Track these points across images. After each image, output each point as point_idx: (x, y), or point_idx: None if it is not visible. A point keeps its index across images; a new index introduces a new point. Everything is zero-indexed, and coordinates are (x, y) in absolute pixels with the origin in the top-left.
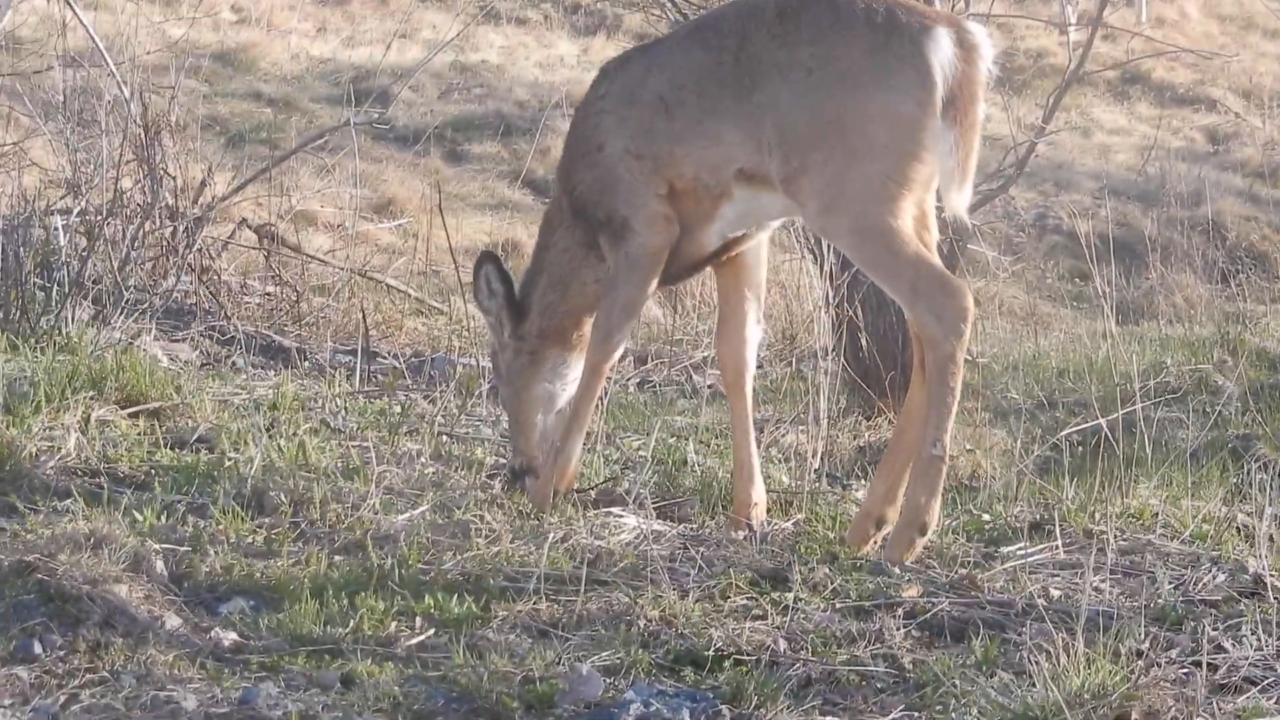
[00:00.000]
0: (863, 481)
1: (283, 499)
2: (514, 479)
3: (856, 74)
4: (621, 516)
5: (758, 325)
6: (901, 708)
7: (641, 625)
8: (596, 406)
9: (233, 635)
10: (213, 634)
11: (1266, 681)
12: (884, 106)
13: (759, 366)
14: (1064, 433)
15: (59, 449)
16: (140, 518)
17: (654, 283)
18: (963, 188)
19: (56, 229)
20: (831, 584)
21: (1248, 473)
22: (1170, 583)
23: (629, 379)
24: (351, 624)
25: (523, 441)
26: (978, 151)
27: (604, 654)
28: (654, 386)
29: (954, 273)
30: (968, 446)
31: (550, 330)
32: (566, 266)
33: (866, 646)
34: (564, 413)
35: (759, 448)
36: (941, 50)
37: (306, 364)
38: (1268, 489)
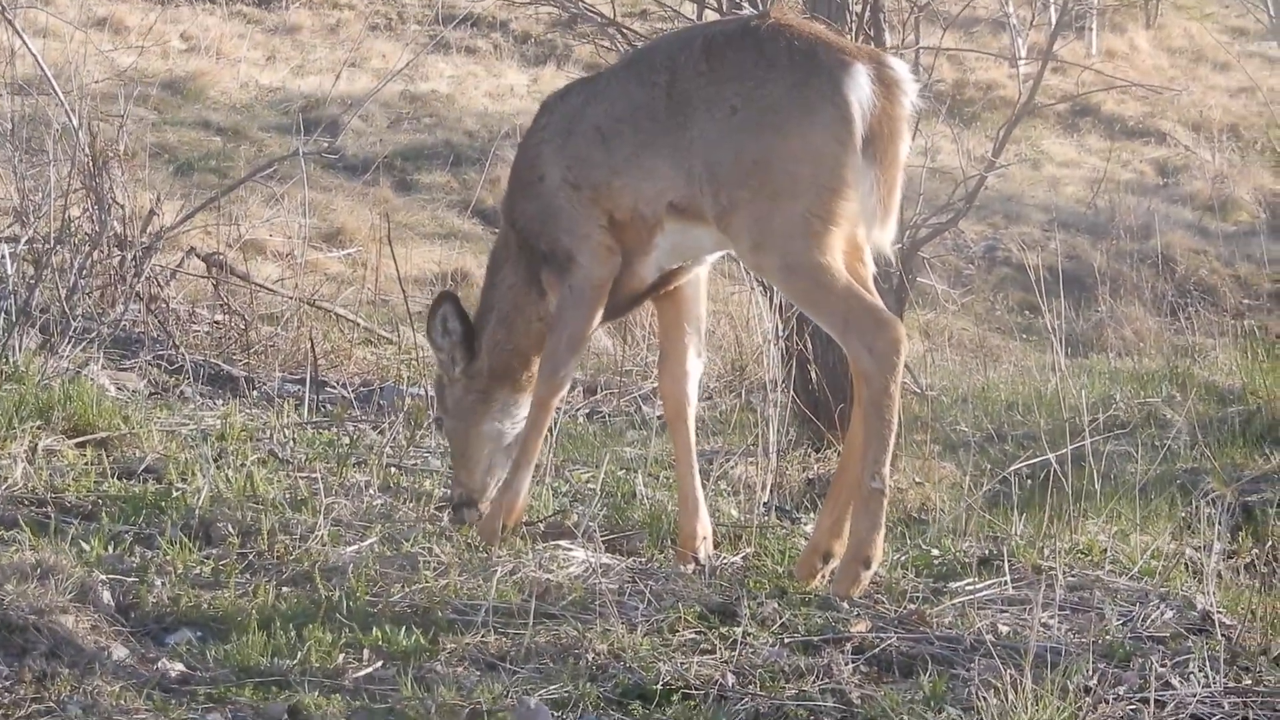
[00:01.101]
0: (812, 515)
1: (230, 530)
2: (455, 511)
3: (778, 112)
4: (570, 549)
5: (699, 359)
6: None
7: (590, 659)
8: (545, 438)
9: (180, 666)
10: (160, 665)
11: (1214, 718)
12: (805, 144)
13: (707, 398)
14: (1013, 467)
15: (5, 478)
16: (87, 548)
17: (599, 315)
18: (885, 224)
19: (3, 257)
20: (780, 618)
21: (1196, 508)
22: (1118, 619)
23: (578, 409)
24: (299, 656)
25: (465, 475)
26: (900, 188)
27: (552, 687)
28: (603, 417)
29: (904, 304)
30: (916, 479)
31: (499, 369)
32: (511, 304)
33: (815, 681)
34: (510, 449)
35: (708, 480)
36: (860, 87)
37: (255, 393)
38: (1216, 524)
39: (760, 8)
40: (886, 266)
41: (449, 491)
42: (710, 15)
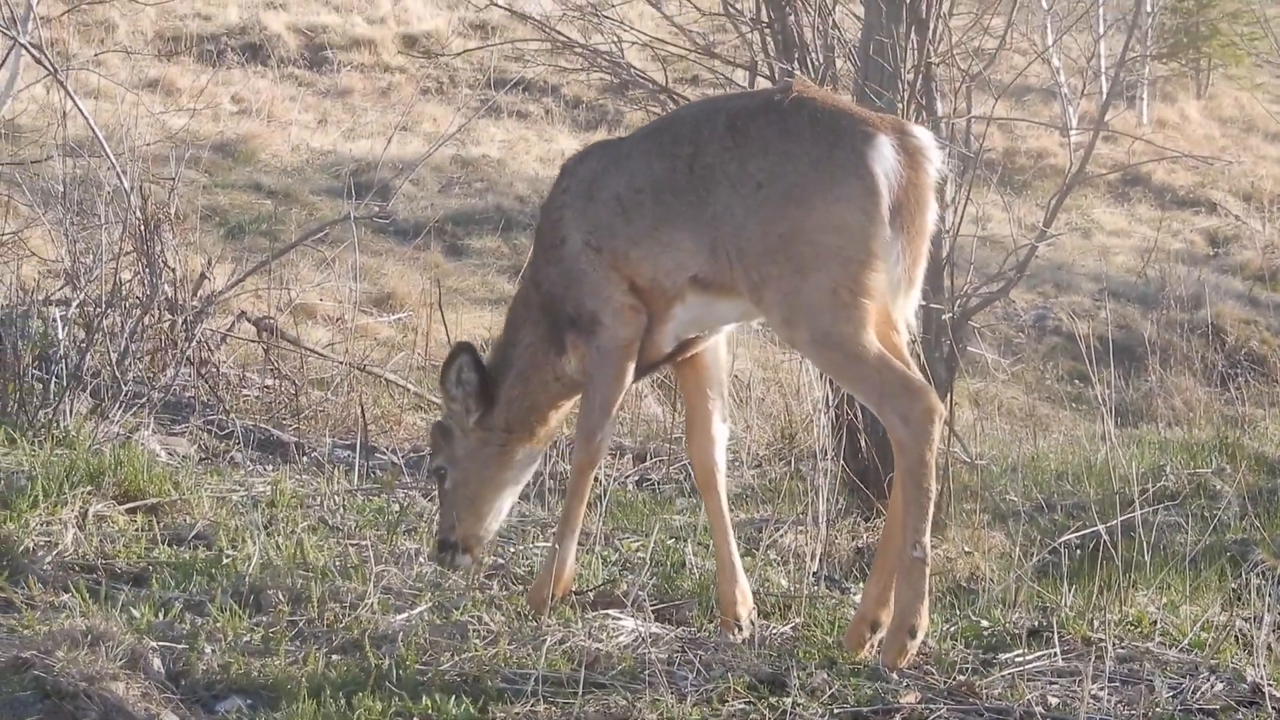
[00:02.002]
0: (861, 584)
1: (280, 597)
2: (442, 552)
3: (803, 186)
4: (619, 619)
5: (724, 424)
6: None
7: None
8: (594, 506)
9: None
10: None
11: None
12: (830, 217)
13: (757, 465)
14: (1063, 538)
15: (56, 544)
16: (138, 614)
17: (629, 376)
18: (909, 294)
19: (55, 320)
20: (829, 689)
21: (1246, 579)
22: (1168, 691)
23: (627, 476)
24: None
25: (470, 524)
26: (925, 257)
27: None
28: (652, 485)
29: (954, 373)
30: (966, 549)
31: (515, 424)
32: (529, 363)
33: None
34: (512, 500)
35: (757, 549)
36: (884, 158)
37: (305, 459)
38: (1266, 596)
39: (812, 77)
40: (938, 335)
41: (441, 532)
42: (763, 83)
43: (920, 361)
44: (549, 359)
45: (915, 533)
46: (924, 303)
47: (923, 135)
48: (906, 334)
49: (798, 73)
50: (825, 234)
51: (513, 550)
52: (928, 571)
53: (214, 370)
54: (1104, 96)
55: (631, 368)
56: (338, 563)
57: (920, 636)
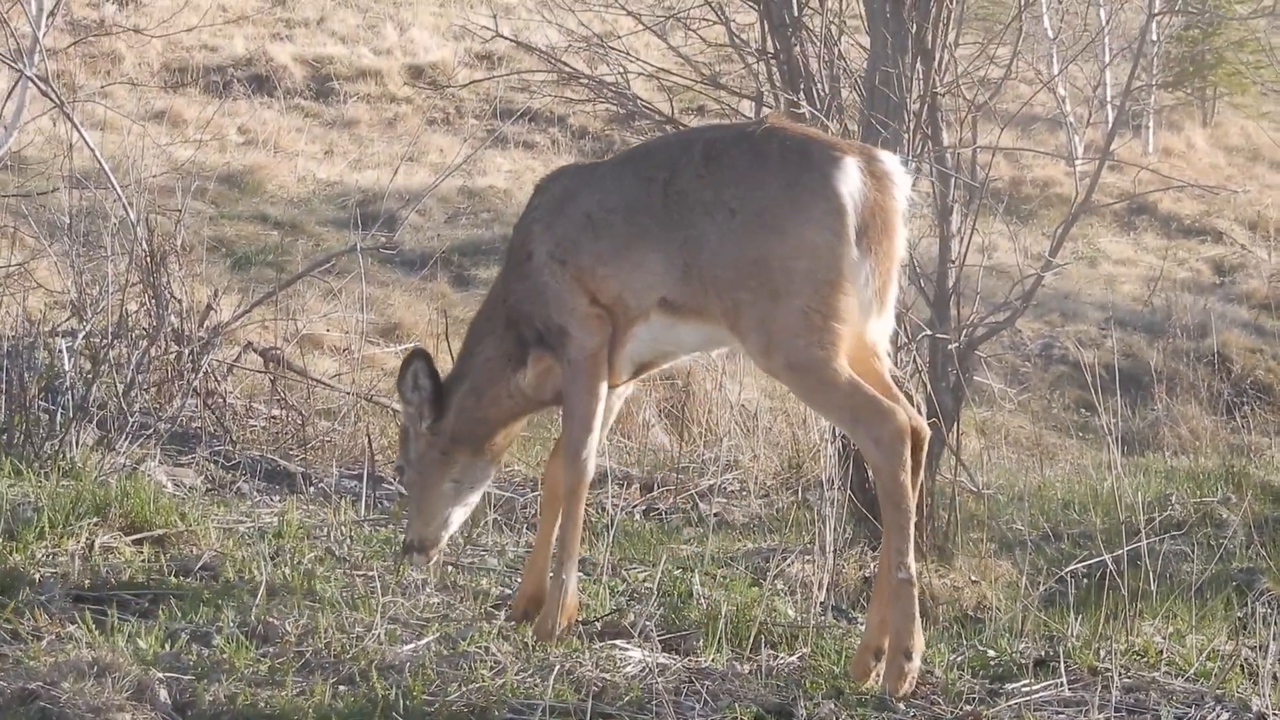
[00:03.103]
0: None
1: (287, 628)
2: (405, 553)
3: (774, 212)
4: (627, 649)
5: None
6: None
7: None
8: (601, 535)
9: None
10: None
11: None
12: (801, 241)
13: (764, 495)
14: (1069, 568)
15: (63, 575)
16: (144, 645)
17: (603, 387)
18: (881, 315)
19: (61, 352)
20: (836, 719)
21: (1252, 608)
22: None
23: (635, 506)
24: None
25: (421, 525)
26: (896, 281)
27: None
28: (659, 515)
29: (960, 403)
30: (973, 578)
31: (463, 434)
32: (486, 377)
33: None
34: (466, 505)
35: (764, 578)
36: (850, 179)
37: (312, 490)
38: (1272, 625)
39: (817, 107)
40: (945, 365)
41: (405, 534)
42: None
43: (926, 390)
44: (505, 374)
45: (898, 554)
46: (930, 332)
47: (889, 160)
48: (887, 359)
49: (803, 103)
50: (796, 258)
51: (519, 581)
52: (915, 592)
53: (220, 401)
54: (1110, 125)
55: (604, 378)
56: (345, 593)
57: (917, 659)
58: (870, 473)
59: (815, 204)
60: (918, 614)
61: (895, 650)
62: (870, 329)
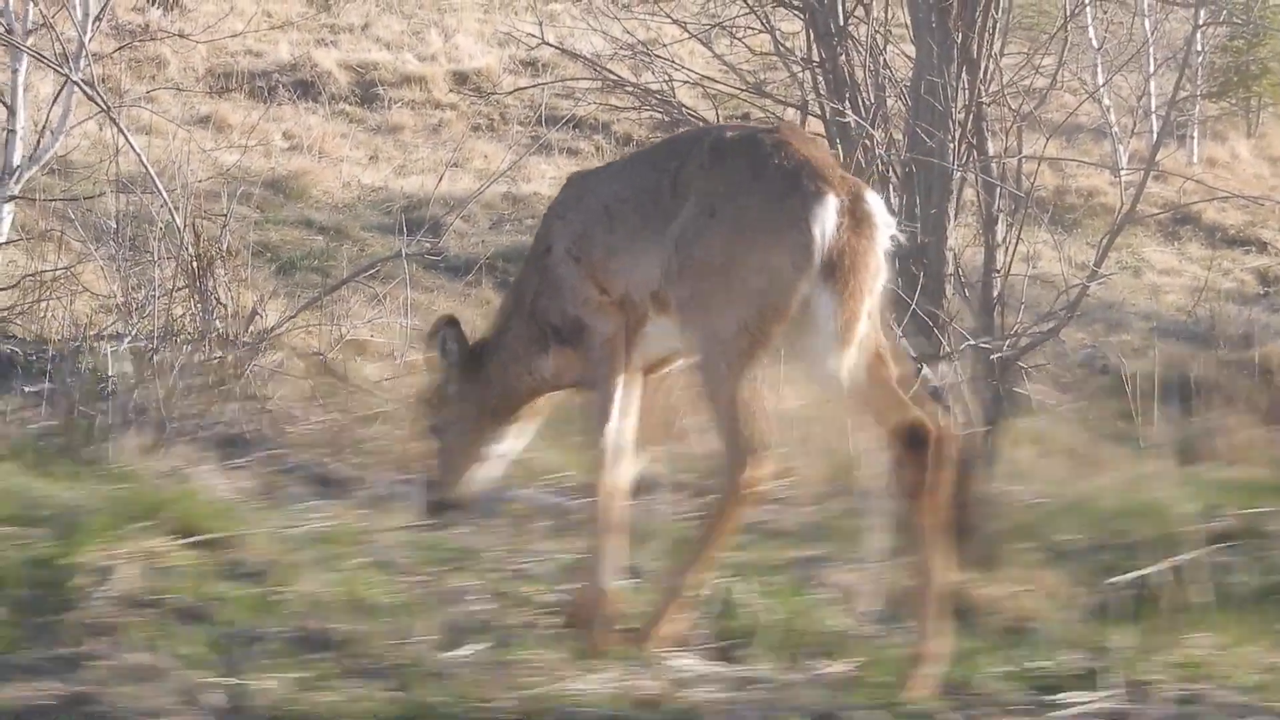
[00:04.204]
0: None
1: (337, 633)
2: (434, 511)
3: (750, 224)
4: (676, 657)
5: (642, 453)
6: None
7: None
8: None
9: None
10: None
11: None
12: (764, 259)
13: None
14: (1117, 579)
15: (114, 579)
16: (195, 650)
17: (621, 373)
18: (843, 352)
19: (107, 356)
20: None
21: None
22: None
23: (686, 513)
24: None
25: (450, 483)
26: (863, 320)
27: None
28: None
29: (1002, 412)
30: (1019, 588)
31: (489, 402)
32: (511, 354)
33: None
34: (489, 465)
35: (809, 587)
36: (827, 217)
37: (360, 494)
38: None
39: (862, 116)
40: (989, 374)
41: (430, 493)
42: (814, 123)
43: (970, 399)
44: (529, 354)
45: (688, 566)
46: (974, 342)
47: (874, 202)
48: (894, 368)
49: (848, 112)
50: (756, 273)
51: (569, 588)
52: (686, 603)
53: (268, 405)
54: (1154, 136)
55: (623, 361)
56: (394, 599)
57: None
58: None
59: (787, 230)
60: (681, 617)
61: (643, 633)
62: (831, 364)
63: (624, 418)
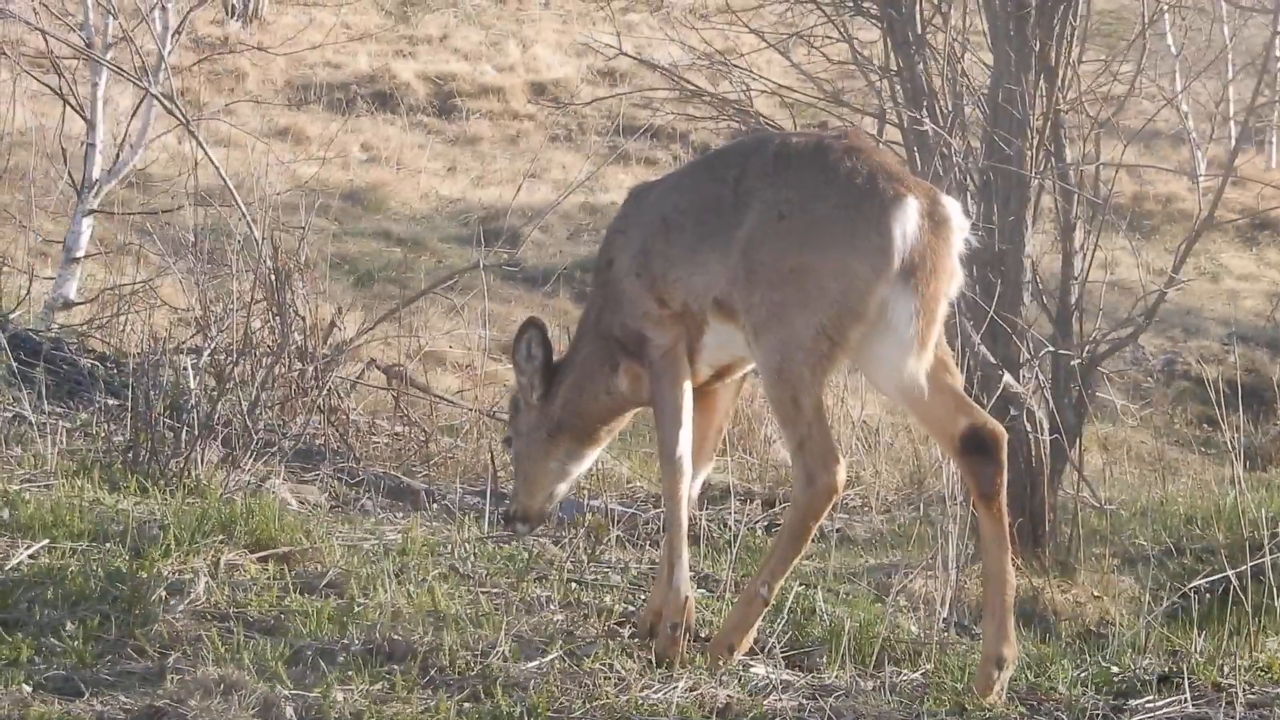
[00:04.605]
0: None
1: (412, 645)
2: (509, 522)
3: (824, 228)
4: (750, 665)
5: (709, 463)
6: None
7: None
8: (724, 551)
9: None
10: None
11: None
12: (841, 263)
13: (885, 511)
14: (1193, 583)
15: (189, 593)
16: (270, 663)
17: (686, 383)
18: (921, 356)
19: (186, 369)
20: None
21: None
22: None
23: (756, 522)
24: None
25: (526, 498)
26: (941, 322)
27: None
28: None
29: (1083, 418)
30: (1095, 594)
31: (567, 422)
32: (586, 373)
33: None
34: (571, 481)
35: (887, 594)
36: (908, 219)
37: (435, 506)
38: None
39: (940, 125)
40: (1068, 380)
41: (508, 505)
42: (891, 131)
43: (1049, 406)
44: (603, 372)
45: (771, 575)
46: (1053, 348)
47: (950, 205)
48: (958, 374)
49: (926, 120)
50: (833, 278)
51: (642, 598)
52: (764, 611)
53: (344, 418)
54: (1233, 141)
55: (686, 371)
56: (469, 610)
57: (736, 656)
58: (790, 501)
59: (867, 234)
60: (754, 625)
61: (719, 642)
62: (908, 367)
63: (690, 428)
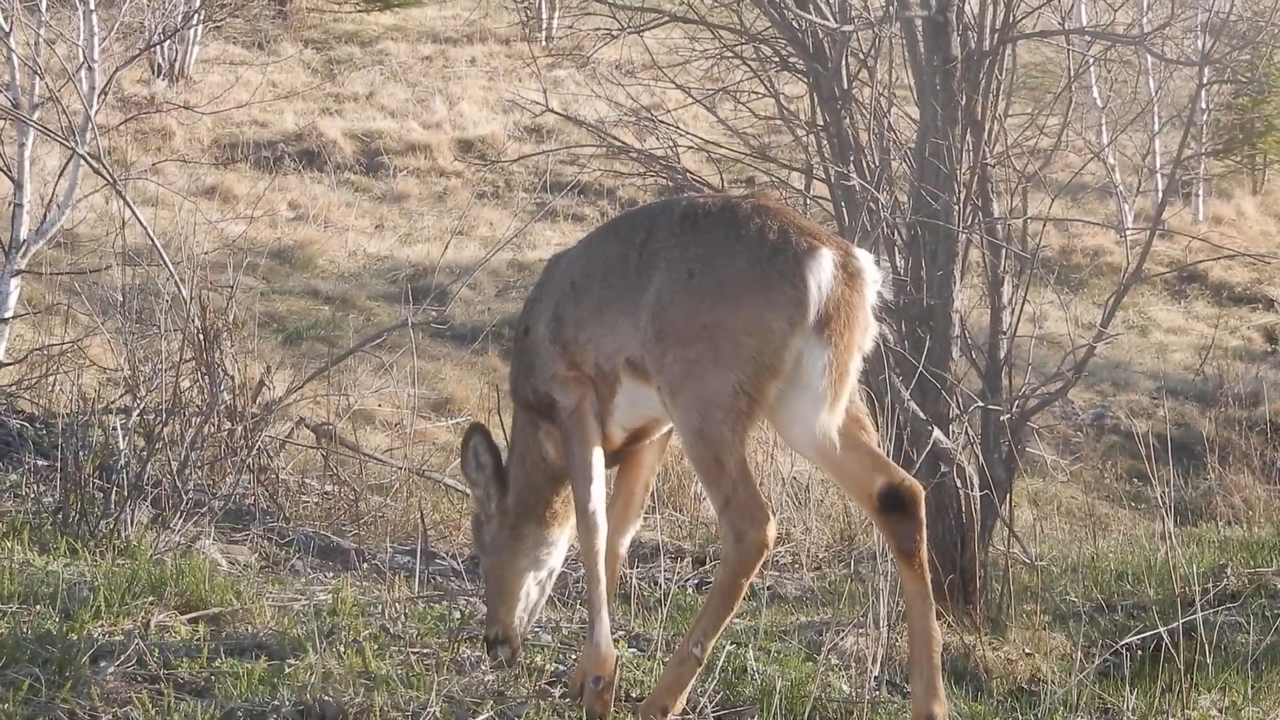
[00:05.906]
0: None
1: (343, 706)
2: (489, 648)
3: (736, 283)
4: None
5: (638, 519)
6: None
7: None
8: (654, 610)
9: None
10: None
11: None
12: (755, 318)
13: (816, 568)
14: (1124, 641)
15: (119, 655)
16: None
17: (596, 439)
18: (834, 410)
19: (115, 430)
20: None
21: None
22: None
23: (687, 580)
24: None
25: (503, 612)
26: (854, 376)
27: None
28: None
29: (1013, 474)
30: (1026, 650)
31: (523, 504)
32: (523, 443)
33: None
34: (544, 583)
35: (818, 653)
36: (823, 270)
37: (365, 566)
38: None
39: (867, 179)
40: (997, 436)
41: (485, 629)
42: (818, 186)
43: (979, 462)
44: (536, 440)
45: (704, 634)
46: (982, 403)
47: (864, 258)
48: (873, 431)
49: (853, 175)
50: (747, 334)
51: (573, 658)
52: (698, 671)
53: (274, 477)
54: (1160, 194)
55: (594, 430)
56: (400, 671)
57: (671, 716)
58: (721, 561)
59: (782, 286)
60: (687, 686)
61: (651, 704)
62: (820, 422)
63: (602, 483)
